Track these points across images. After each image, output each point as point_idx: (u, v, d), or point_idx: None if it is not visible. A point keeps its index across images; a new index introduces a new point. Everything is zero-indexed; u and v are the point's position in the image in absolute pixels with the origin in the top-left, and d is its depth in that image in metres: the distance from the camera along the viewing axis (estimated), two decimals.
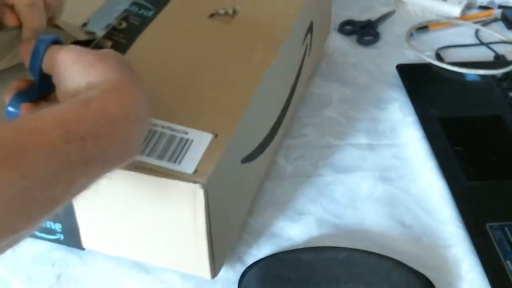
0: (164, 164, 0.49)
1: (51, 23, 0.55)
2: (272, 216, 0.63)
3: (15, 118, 0.40)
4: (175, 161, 0.49)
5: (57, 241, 0.57)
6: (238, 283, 0.56)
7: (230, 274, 0.58)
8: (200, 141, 0.51)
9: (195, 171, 0.49)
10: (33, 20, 0.50)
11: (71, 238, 0.56)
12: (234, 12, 0.65)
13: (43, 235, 0.57)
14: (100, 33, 0.61)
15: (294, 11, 0.66)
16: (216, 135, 0.51)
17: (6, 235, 0.35)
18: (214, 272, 0.54)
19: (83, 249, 0.57)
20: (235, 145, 0.53)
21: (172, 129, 0.52)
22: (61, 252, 0.59)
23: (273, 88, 0.63)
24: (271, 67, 0.60)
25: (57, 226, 0.56)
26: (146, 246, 0.55)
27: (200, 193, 0.48)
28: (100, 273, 0.58)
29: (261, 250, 0.60)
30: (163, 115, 0.53)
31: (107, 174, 0.41)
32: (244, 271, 0.57)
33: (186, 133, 0.51)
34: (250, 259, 0.59)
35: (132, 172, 0.49)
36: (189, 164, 0.49)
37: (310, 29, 0.72)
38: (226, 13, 0.65)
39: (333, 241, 0.61)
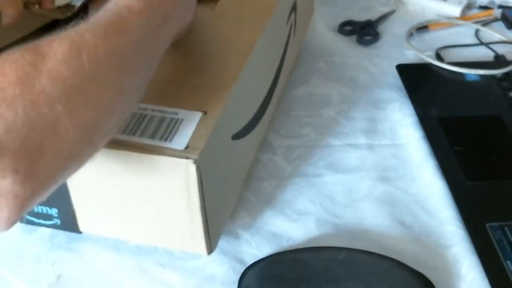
0: (155, 142, 0.50)
1: (27, 6, 0.57)
2: (272, 216, 0.63)
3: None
4: (166, 140, 0.51)
5: (54, 226, 0.58)
6: (238, 283, 0.56)
7: (230, 274, 0.58)
8: (190, 120, 0.52)
9: (187, 147, 0.50)
10: (11, 6, 0.55)
11: (68, 222, 0.58)
12: None
13: (41, 221, 0.58)
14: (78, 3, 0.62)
15: None
16: (205, 113, 0.53)
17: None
18: (210, 248, 0.55)
19: (80, 232, 0.58)
20: (224, 122, 0.54)
21: (162, 111, 0.53)
22: (62, 252, 0.59)
23: (260, 67, 0.64)
24: (257, 47, 0.61)
25: (54, 211, 0.57)
26: (142, 226, 0.56)
27: (192, 168, 0.49)
28: (100, 273, 0.58)
29: (261, 250, 0.60)
30: (153, 98, 0.54)
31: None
32: (244, 271, 0.57)
33: (176, 113, 0.53)
34: (250, 259, 0.59)
35: (125, 152, 0.50)
36: (180, 141, 0.50)
37: (294, 9, 0.73)
38: None
39: (333, 241, 0.61)
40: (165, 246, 0.57)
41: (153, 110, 0.53)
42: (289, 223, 0.62)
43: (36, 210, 0.57)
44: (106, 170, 0.52)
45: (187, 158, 0.49)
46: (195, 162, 0.49)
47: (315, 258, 0.58)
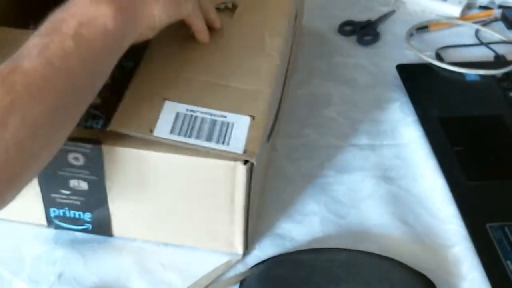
0: (213, 145, 0.51)
1: None
2: (275, 217, 0.63)
3: None
4: (223, 143, 0.52)
5: (84, 230, 0.59)
6: (239, 284, 0.56)
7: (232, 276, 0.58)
8: (240, 124, 0.53)
9: (245, 151, 0.51)
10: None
11: (101, 226, 0.58)
12: (234, 6, 0.66)
13: (71, 226, 0.59)
14: None
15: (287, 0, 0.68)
16: (253, 117, 0.54)
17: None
18: (246, 247, 0.58)
19: (111, 236, 0.59)
20: (267, 126, 0.56)
21: (211, 114, 0.54)
22: (63, 251, 0.59)
23: (282, 71, 0.65)
24: (282, 50, 0.61)
25: (87, 216, 0.58)
26: (178, 228, 0.58)
27: (247, 172, 0.51)
28: (102, 273, 0.58)
29: (264, 251, 0.60)
30: (195, 99, 0.55)
31: None
32: (246, 272, 0.57)
33: (225, 117, 0.54)
34: (252, 260, 0.59)
35: (181, 155, 0.51)
36: (237, 145, 0.52)
37: (295, 16, 0.74)
38: (226, 7, 0.66)
39: (337, 241, 0.61)
40: (201, 246, 0.59)
41: (201, 112, 0.54)
42: (293, 224, 0.62)
43: (68, 215, 0.58)
44: (154, 173, 0.53)
45: (245, 162, 0.51)
46: (252, 166, 0.51)
47: (316, 259, 0.58)
